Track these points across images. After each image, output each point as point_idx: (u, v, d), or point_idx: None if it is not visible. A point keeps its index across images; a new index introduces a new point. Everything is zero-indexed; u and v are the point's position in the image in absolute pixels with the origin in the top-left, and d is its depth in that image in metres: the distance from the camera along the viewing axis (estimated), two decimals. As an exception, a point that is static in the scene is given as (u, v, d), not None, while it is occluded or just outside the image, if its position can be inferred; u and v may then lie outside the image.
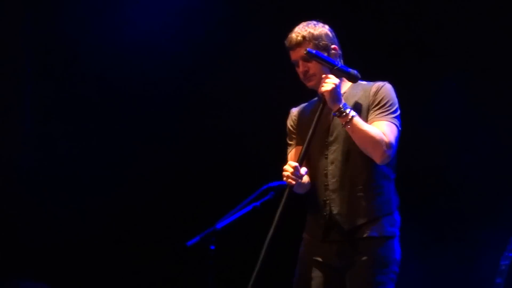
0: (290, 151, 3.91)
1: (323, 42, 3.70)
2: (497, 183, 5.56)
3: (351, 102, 3.70)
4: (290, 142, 3.93)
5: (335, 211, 3.69)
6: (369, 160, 3.65)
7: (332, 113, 3.59)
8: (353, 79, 3.62)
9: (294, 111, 3.96)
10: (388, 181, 3.73)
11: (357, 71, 3.62)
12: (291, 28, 3.80)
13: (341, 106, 3.55)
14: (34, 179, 6.04)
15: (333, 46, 3.74)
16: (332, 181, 3.71)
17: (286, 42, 3.75)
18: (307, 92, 3.89)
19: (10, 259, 5.94)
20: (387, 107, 3.66)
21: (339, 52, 3.77)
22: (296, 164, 3.55)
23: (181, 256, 5.65)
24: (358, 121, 3.56)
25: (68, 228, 5.99)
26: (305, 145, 3.57)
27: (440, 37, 5.68)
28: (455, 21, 5.63)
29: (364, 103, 3.70)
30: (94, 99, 6.09)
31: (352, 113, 3.55)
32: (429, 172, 5.67)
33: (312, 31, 3.70)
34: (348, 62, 3.81)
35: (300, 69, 3.74)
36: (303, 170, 3.56)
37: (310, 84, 3.75)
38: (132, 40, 6.01)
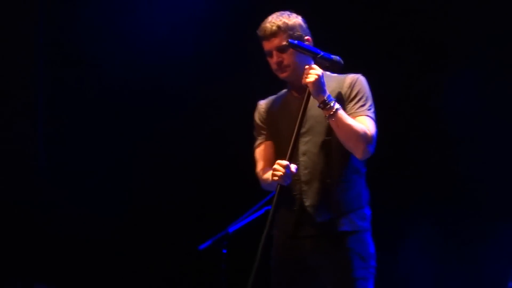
0: (258, 146, 3.82)
1: (298, 32, 3.64)
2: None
3: (335, 95, 3.63)
4: (259, 137, 3.83)
5: (307, 203, 3.63)
6: (341, 154, 3.61)
7: (317, 105, 3.52)
8: (336, 66, 3.55)
9: (262, 103, 3.85)
10: (359, 176, 3.68)
11: (339, 57, 3.56)
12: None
13: (325, 97, 3.49)
14: (47, 180, 6.03)
15: (306, 37, 3.67)
16: (304, 172, 3.63)
17: (260, 32, 3.67)
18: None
19: (24, 261, 5.93)
20: (364, 101, 3.62)
21: (312, 43, 3.70)
22: (287, 162, 3.48)
23: (193, 259, 5.65)
24: (342, 114, 3.50)
25: (80, 229, 5.97)
26: (292, 140, 3.49)
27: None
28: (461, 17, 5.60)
29: (339, 96, 3.63)
30: (106, 100, 6.08)
31: (337, 105, 3.49)
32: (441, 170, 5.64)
33: (286, 21, 3.64)
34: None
35: (274, 60, 3.64)
36: (293, 167, 3.51)
37: (283, 75, 3.68)
38: (142, 43, 6.01)
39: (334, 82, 3.66)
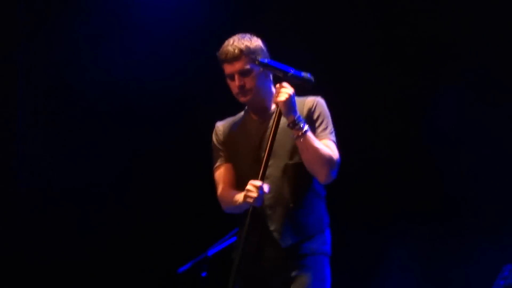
0: (217, 169, 3.78)
1: (259, 56, 3.62)
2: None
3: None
4: (217, 160, 3.80)
5: (272, 227, 3.62)
6: (304, 178, 3.61)
7: (287, 124, 3.50)
8: (307, 83, 3.53)
9: (220, 125, 3.84)
10: (320, 199, 3.69)
11: (310, 73, 3.54)
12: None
13: (296, 118, 3.49)
14: (32, 191, 6.02)
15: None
16: (267, 196, 3.58)
17: (221, 55, 3.65)
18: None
19: (10, 274, 5.91)
20: (326, 124, 3.64)
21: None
22: (260, 183, 3.47)
23: (172, 283, 5.61)
24: (311, 136, 3.51)
25: (56, 253, 5.95)
26: (264, 160, 3.48)
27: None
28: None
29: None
30: (89, 107, 6.08)
31: (306, 127, 3.50)
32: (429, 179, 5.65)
33: (248, 44, 3.63)
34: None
35: (236, 83, 3.63)
36: (266, 187, 3.50)
37: (244, 99, 3.66)
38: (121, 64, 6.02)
39: (305, 107, 3.65)
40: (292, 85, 3.52)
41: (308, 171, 3.58)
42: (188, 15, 6.00)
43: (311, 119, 3.62)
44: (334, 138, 3.63)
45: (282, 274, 3.62)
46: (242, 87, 3.63)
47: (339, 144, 3.70)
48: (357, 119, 5.67)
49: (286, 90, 3.48)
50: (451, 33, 5.64)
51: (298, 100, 3.63)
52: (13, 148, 6.04)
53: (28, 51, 6.05)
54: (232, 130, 3.77)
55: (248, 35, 3.68)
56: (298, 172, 3.60)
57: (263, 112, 3.63)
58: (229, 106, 3.85)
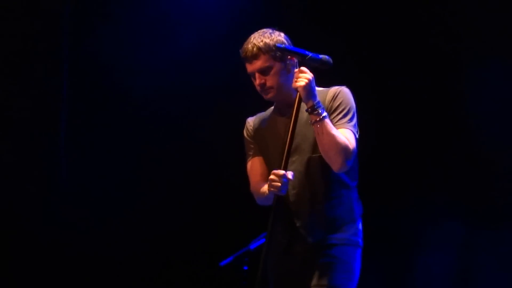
0: (249, 163, 3.77)
1: (279, 53, 3.57)
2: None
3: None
4: (249, 153, 3.78)
5: (298, 224, 3.59)
6: (328, 170, 3.54)
7: (305, 109, 3.46)
8: (326, 65, 3.49)
9: (250, 121, 3.81)
10: (348, 190, 3.62)
11: (328, 56, 3.51)
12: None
13: (315, 103, 3.44)
14: (69, 197, 6.07)
15: (289, 56, 3.58)
16: (292, 193, 3.57)
17: (242, 53, 3.61)
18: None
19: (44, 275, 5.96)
20: (345, 113, 3.55)
21: (296, 61, 3.62)
22: (283, 172, 3.42)
23: (214, 276, 5.65)
24: (328, 123, 3.44)
25: (100, 245, 6.01)
26: (286, 149, 3.44)
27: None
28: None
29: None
30: (126, 114, 6.13)
31: (324, 113, 3.44)
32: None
33: (267, 41, 3.56)
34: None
35: (257, 82, 3.59)
36: (290, 174, 3.45)
37: (267, 96, 3.62)
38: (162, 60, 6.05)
39: (320, 95, 3.58)
40: (312, 71, 3.49)
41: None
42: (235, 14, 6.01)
43: (332, 107, 3.56)
44: (353, 128, 3.54)
45: (311, 265, 3.58)
46: (263, 85, 3.59)
47: (362, 136, 3.66)
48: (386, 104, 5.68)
49: (305, 75, 3.44)
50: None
51: (323, 91, 3.61)
52: (57, 148, 6.09)
53: (73, 49, 6.11)
54: (261, 125, 3.75)
55: (269, 31, 3.62)
56: (322, 165, 3.54)
57: (289, 107, 3.57)
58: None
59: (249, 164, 3.78)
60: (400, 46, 5.72)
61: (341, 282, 3.53)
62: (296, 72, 3.48)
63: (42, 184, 6.02)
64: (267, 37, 3.59)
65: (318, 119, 3.43)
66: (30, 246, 5.93)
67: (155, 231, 6.01)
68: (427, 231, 5.57)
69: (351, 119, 3.55)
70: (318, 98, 3.52)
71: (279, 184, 3.42)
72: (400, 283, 5.68)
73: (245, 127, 3.81)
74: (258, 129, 3.76)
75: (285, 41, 3.62)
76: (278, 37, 3.60)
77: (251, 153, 3.78)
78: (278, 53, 3.55)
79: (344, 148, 3.45)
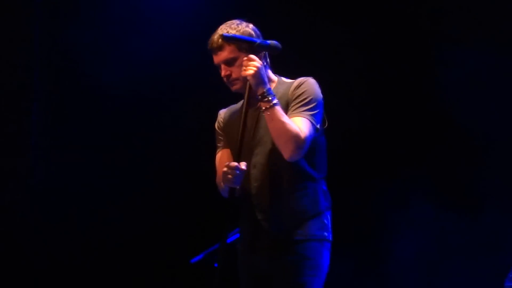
0: (218, 154, 3.76)
1: (245, 44, 3.54)
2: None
3: (282, 100, 3.53)
4: (218, 145, 3.78)
5: (259, 217, 3.55)
6: (292, 163, 3.50)
7: (256, 96, 3.44)
8: (275, 50, 3.50)
9: (221, 113, 3.82)
10: (313, 182, 3.56)
11: (276, 41, 3.51)
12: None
13: (265, 90, 3.42)
14: (43, 194, 6.04)
15: (237, 44, 3.54)
16: (254, 185, 3.56)
17: (208, 44, 3.60)
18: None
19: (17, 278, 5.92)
20: (306, 102, 3.50)
21: (263, 52, 3.58)
22: (235, 164, 3.41)
23: (185, 273, 5.63)
24: (279, 110, 3.41)
25: (73, 244, 5.98)
26: (239, 140, 3.44)
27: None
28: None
29: (284, 99, 3.54)
30: (101, 111, 6.10)
31: (275, 100, 3.41)
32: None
33: (234, 32, 3.55)
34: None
35: (223, 74, 3.58)
36: (243, 165, 3.44)
37: (233, 88, 3.60)
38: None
39: (285, 87, 3.59)
40: (260, 57, 3.49)
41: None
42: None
43: (294, 95, 3.54)
44: (311, 118, 3.48)
45: (277, 263, 3.54)
46: (228, 77, 3.58)
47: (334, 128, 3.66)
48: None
49: (253, 63, 3.43)
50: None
51: (290, 82, 3.60)
52: (27, 145, 6.06)
53: (44, 46, 6.08)
54: (231, 117, 3.74)
55: (236, 22, 3.61)
56: (283, 157, 3.48)
57: (254, 99, 3.55)
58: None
59: (217, 156, 3.77)
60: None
61: (307, 279, 3.50)
62: (244, 60, 3.46)
63: (16, 184, 5.99)
64: (234, 28, 3.58)
65: (268, 106, 3.41)
66: (5, 247, 5.91)
67: (126, 228, 6.00)
68: (396, 216, 5.59)
69: (311, 109, 3.50)
70: (284, 90, 3.53)
71: (231, 176, 3.41)
72: (371, 269, 5.71)
73: (217, 119, 3.81)
74: (227, 121, 3.76)
75: (252, 32, 3.60)
76: (245, 28, 3.59)
77: (220, 145, 3.77)
78: (244, 44, 3.53)
79: (294, 136, 3.40)
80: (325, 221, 3.60)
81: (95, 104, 6.07)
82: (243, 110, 3.46)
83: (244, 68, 3.45)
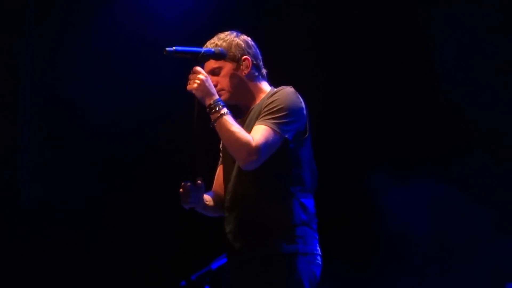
0: (218, 168, 3.71)
1: (231, 53, 3.48)
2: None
3: (256, 111, 3.46)
4: (219, 160, 3.70)
5: (227, 230, 3.46)
6: (260, 175, 3.39)
7: (206, 110, 3.37)
8: (220, 57, 3.45)
9: None
10: (286, 195, 3.41)
11: (222, 48, 3.47)
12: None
13: (212, 101, 3.34)
14: (34, 212, 6.00)
15: (243, 57, 3.48)
16: (227, 198, 3.47)
17: None
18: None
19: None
20: (273, 111, 3.38)
21: (254, 62, 3.51)
22: (185, 183, 3.39)
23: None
24: (227, 120, 3.32)
25: (60, 262, 5.94)
26: (192, 155, 3.43)
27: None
28: None
29: (258, 110, 3.46)
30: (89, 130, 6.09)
31: (224, 110, 3.33)
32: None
33: (220, 43, 3.47)
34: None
35: None
36: (199, 181, 3.40)
37: (222, 99, 3.47)
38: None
39: (266, 97, 3.51)
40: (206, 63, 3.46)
41: (266, 165, 3.36)
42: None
43: (265, 104, 3.44)
44: (274, 126, 3.35)
45: (247, 280, 3.42)
46: (214, 87, 3.46)
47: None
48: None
49: (198, 77, 3.37)
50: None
51: (271, 91, 3.53)
52: (19, 158, 6.04)
53: (34, 63, 6.09)
54: None
55: (227, 33, 3.56)
56: (256, 170, 3.37)
57: (244, 110, 3.50)
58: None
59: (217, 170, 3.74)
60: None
61: None
62: (190, 74, 3.40)
63: (4, 203, 5.95)
64: (221, 38, 3.52)
65: (216, 116, 3.33)
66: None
67: (116, 248, 5.97)
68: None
69: (278, 118, 3.37)
70: (264, 99, 3.46)
71: (184, 197, 3.39)
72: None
73: None
74: None
75: (242, 43, 3.52)
76: (233, 38, 3.52)
77: (219, 160, 3.70)
78: (230, 53, 3.49)
79: (243, 144, 3.29)
80: (301, 233, 3.43)
81: (81, 124, 6.06)
82: (193, 124, 3.40)
83: (190, 82, 3.39)
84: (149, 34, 5.94)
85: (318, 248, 3.47)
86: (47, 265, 5.92)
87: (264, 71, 3.59)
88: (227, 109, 3.36)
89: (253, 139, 3.31)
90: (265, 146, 3.32)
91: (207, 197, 3.55)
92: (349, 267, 5.53)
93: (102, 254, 5.96)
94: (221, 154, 3.67)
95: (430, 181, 5.48)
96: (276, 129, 3.35)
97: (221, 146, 3.66)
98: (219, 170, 3.66)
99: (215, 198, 3.58)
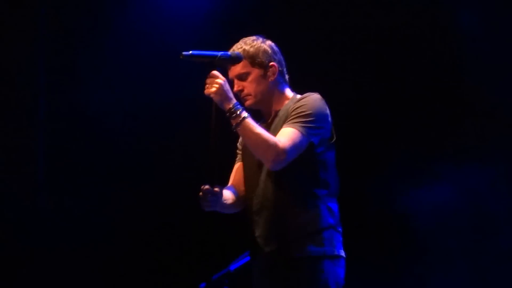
0: (234, 166, 3.77)
1: (259, 59, 3.55)
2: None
3: (279, 117, 3.55)
4: (236, 158, 3.78)
5: (257, 233, 3.53)
6: (290, 178, 3.47)
7: (225, 114, 3.40)
8: (237, 61, 3.51)
9: None
10: (314, 198, 3.50)
11: (238, 52, 3.52)
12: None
13: (231, 105, 3.39)
14: (48, 225, 6.03)
15: (271, 63, 3.57)
16: (255, 202, 3.54)
17: None
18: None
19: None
20: (301, 115, 3.45)
21: (280, 69, 3.60)
22: (206, 187, 3.41)
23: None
24: (250, 122, 3.38)
25: (77, 273, 5.96)
26: (210, 158, 3.41)
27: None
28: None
29: (285, 115, 3.53)
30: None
31: (245, 114, 3.38)
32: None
33: (247, 48, 3.56)
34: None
35: (235, 89, 3.56)
36: (217, 188, 3.43)
37: (246, 104, 3.57)
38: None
39: (291, 102, 3.56)
40: (224, 68, 3.49)
41: (294, 170, 3.44)
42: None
43: (292, 109, 3.50)
44: (302, 129, 3.42)
45: (275, 282, 3.51)
46: (240, 92, 3.57)
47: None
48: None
49: (215, 80, 3.40)
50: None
51: (296, 97, 3.58)
52: (34, 165, 6.07)
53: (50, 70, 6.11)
54: None
55: (253, 38, 3.61)
56: (285, 173, 3.46)
57: (267, 116, 3.58)
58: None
59: (233, 168, 3.77)
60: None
61: None
62: (208, 77, 3.42)
63: (21, 210, 5.99)
64: (248, 43, 3.58)
65: (238, 121, 3.38)
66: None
67: (133, 251, 5.98)
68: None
69: (305, 122, 3.45)
70: (288, 106, 3.50)
71: (204, 201, 3.42)
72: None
73: None
74: None
75: (268, 49, 3.60)
76: (260, 43, 3.59)
77: (237, 158, 3.77)
78: (258, 60, 3.54)
79: (270, 146, 3.36)
80: (328, 237, 3.52)
81: (96, 129, 6.10)
82: (212, 129, 3.42)
83: (207, 86, 3.41)
84: (165, 39, 5.97)
85: (343, 251, 3.55)
86: (65, 272, 5.97)
87: (287, 77, 3.65)
88: (247, 112, 3.40)
89: (279, 140, 3.37)
90: (292, 147, 3.39)
91: (226, 194, 3.60)
92: (372, 269, 5.56)
93: (119, 258, 5.99)
94: (239, 152, 3.74)
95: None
96: (302, 131, 3.43)
97: (239, 145, 3.73)
98: (238, 167, 3.72)
99: (233, 195, 3.65)
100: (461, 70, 5.66)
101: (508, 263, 5.47)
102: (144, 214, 6.10)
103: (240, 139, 3.75)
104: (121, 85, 6.06)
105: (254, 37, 3.62)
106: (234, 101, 3.42)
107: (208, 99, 3.44)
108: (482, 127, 5.61)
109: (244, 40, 3.62)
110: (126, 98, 6.05)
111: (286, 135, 3.40)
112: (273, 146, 3.36)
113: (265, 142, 3.36)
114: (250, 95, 3.56)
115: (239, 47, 3.58)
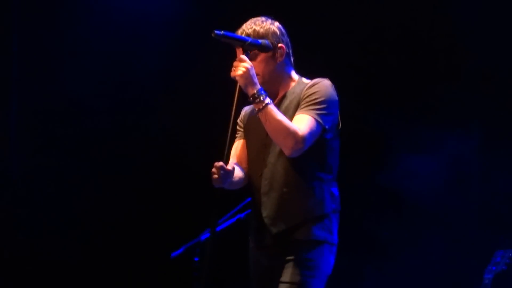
0: (234, 144, 3.78)
1: (269, 40, 3.56)
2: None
3: (289, 100, 3.59)
4: (236, 135, 3.79)
5: (264, 214, 3.57)
6: (299, 161, 3.51)
7: (248, 99, 3.44)
8: (265, 49, 3.53)
9: (245, 109, 3.83)
10: (320, 182, 3.56)
11: (268, 41, 3.53)
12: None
13: (255, 91, 3.42)
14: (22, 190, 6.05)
15: (280, 44, 3.59)
16: (264, 183, 3.59)
17: None
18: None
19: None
20: (314, 102, 3.50)
21: (287, 50, 3.62)
22: (221, 164, 3.41)
23: (165, 267, 5.64)
24: (272, 109, 3.42)
25: (53, 241, 5.98)
26: (228, 139, 3.43)
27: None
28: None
29: (297, 99, 3.56)
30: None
31: (268, 100, 3.42)
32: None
33: (258, 29, 3.57)
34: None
35: None
36: (230, 165, 3.45)
37: None
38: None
39: (301, 87, 3.60)
40: (252, 53, 3.51)
41: (304, 154, 3.49)
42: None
43: (305, 95, 3.54)
44: (317, 116, 3.48)
45: (277, 261, 3.57)
46: None
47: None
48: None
49: (243, 64, 3.43)
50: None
51: (306, 82, 3.62)
52: (8, 153, 6.06)
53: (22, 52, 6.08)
54: (251, 114, 3.74)
55: (262, 19, 3.62)
56: (293, 157, 3.50)
57: (275, 97, 3.59)
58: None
59: (234, 146, 3.78)
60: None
61: (303, 279, 3.50)
62: (235, 61, 3.45)
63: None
64: (258, 24, 3.59)
65: (261, 106, 3.42)
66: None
67: (104, 224, 6.01)
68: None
69: (319, 109, 3.50)
70: (299, 90, 3.55)
71: (216, 176, 3.41)
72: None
73: (240, 115, 3.82)
74: (248, 117, 3.77)
75: (277, 31, 3.61)
76: (269, 25, 3.60)
77: (237, 135, 3.79)
78: (268, 40, 3.55)
79: (291, 133, 3.41)
80: (329, 223, 3.59)
81: (65, 104, 6.11)
82: (233, 109, 3.44)
83: (234, 68, 3.44)
84: (140, 25, 5.97)
85: (337, 238, 3.63)
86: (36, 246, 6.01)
87: (292, 59, 3.68)
88: (270, 98, 3.44)
89: (299, 129, 3.42)
90: (310, 135, 3.45)
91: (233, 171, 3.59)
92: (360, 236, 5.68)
93: (89, 227, 6.02)
94: (239, 129, 3.78)
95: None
96: (319, 119, 3.48)
97: (240, 122, 3.79)
98: (241, 144, 3.76)
99: (241, 172, 3.67)
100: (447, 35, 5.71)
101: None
102: (113, 183, 6.11)
103: (241, 117, 3.80)
104: (96, 75, 6.04)
105: (263, 18, 3.64)
106: (259, 86, 3.44)
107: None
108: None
109: (253, 21, 3.63)
110: (101, 85, 6.04)
111: (305, 123, 3.45)
112: (293, 134, 3.42)
113: (286, 129, 3.40)
114: (258, 75, 3.55)
115: (249, 27, 3.58)
